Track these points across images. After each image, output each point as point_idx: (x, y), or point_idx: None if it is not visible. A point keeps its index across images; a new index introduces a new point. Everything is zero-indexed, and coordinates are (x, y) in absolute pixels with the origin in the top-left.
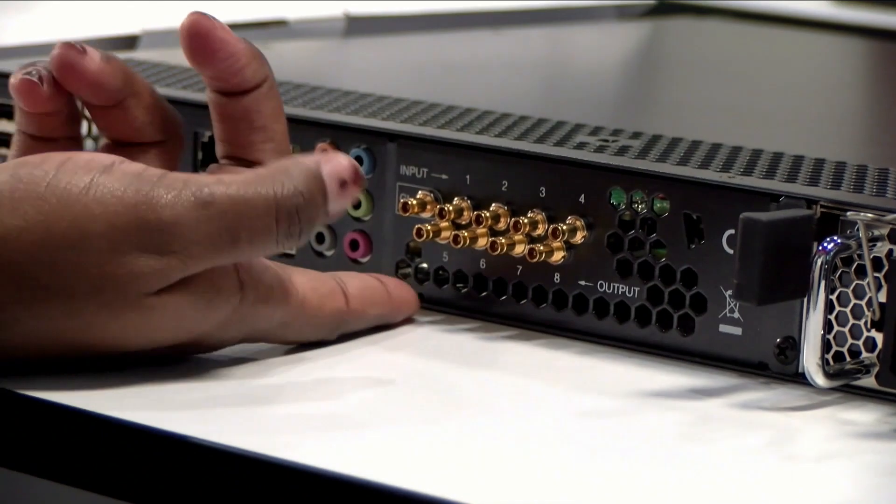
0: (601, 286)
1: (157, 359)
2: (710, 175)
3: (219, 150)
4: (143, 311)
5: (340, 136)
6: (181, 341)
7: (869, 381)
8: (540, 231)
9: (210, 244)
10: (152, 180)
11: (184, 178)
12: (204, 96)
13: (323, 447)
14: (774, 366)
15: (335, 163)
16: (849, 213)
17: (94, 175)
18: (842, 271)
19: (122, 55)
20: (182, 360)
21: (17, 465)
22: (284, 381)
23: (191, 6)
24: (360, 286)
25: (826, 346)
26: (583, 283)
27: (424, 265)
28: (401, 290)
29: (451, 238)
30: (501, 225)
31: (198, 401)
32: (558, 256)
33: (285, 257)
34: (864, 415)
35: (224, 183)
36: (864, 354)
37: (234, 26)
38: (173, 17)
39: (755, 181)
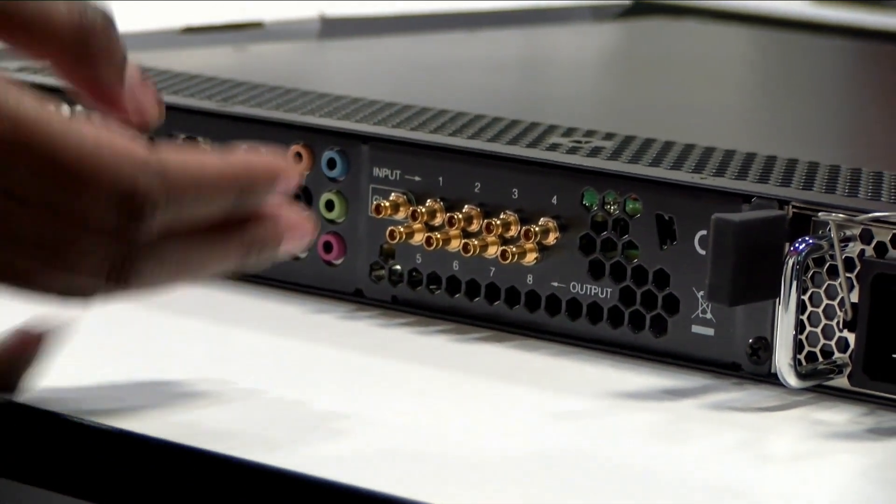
0: (574, 287)
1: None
2: (683, 176)
3: None
4: None
5: (314, 138)
6: None
7: (841, 382)
8: (513, 232)
9: None
10: None
11: None
12: (178, 99)
13: (294, 451)
14: (747, 366)
15: None
16: (820, 214)
17: None
18: (814, 272)
19: None
20: (168, 363)
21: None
22: (252, 385)
23: (164, 9)
24: None
25: (798, 346)
26: (555, 284)
27: (398, 267)
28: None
29: (424, 240)
30: (474, 226)
31: (171, 405)
32: (531, 258)
33: None
34: (837, 415)
35: None
36: (837, 355)
37: (210, 28)
38: (149, 20)
39: (727, 182)
